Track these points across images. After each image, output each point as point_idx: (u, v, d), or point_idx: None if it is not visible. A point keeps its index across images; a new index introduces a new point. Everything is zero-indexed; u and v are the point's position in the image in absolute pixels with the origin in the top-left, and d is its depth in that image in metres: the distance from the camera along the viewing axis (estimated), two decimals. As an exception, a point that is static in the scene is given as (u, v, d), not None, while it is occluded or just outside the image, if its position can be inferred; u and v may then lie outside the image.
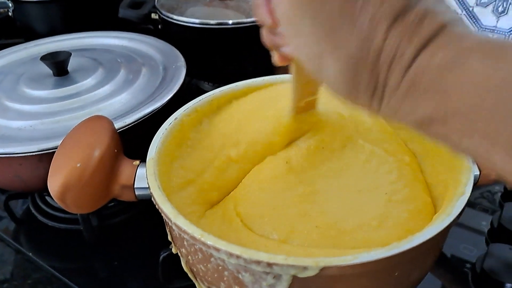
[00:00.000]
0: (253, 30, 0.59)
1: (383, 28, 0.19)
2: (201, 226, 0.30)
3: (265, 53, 0.54)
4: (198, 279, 0.32)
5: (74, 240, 0.46)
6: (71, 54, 0.49)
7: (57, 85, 0.47)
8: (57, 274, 0.43)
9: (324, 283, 0.26)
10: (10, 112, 0.44)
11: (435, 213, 0.30)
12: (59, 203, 0.32)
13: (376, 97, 0.20)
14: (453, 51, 0.18)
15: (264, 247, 0.29)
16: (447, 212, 0.27)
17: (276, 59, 0.29)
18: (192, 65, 0.52)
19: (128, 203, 0.36)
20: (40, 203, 0.50)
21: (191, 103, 0.39)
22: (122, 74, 0.49)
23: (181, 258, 0.33)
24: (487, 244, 0.42)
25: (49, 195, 0.50)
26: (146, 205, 0.33)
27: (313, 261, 0.24)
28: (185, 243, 0.29)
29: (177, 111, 0.38)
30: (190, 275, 0.33)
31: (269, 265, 0.25)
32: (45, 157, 0.39)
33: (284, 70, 0.50)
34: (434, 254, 0.31)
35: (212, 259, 0.28)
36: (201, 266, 0.30)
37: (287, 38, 0.23)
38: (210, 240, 0.26)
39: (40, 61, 0.48)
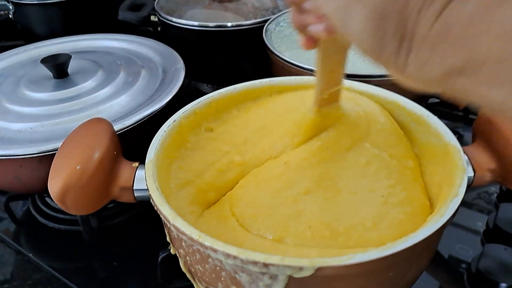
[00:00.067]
0: (252, 32, 0.60)
1: None
2: (199, 226, 0.31)
3: (264, 56, 0.55)
4: (196, 280, 0.33)
5: (74, 241, 0.46)
6: (71, 56, 0.49)
7: (57, 88, 0.48)
8: (57, 274, 0.43)
9: (320, 283, 0.27)
10: (10, 114, 0.45)
11: None
12: (59, 205, 0.32)
13: (403, 49, 0.20)
14: None
15: (259, 247, 0.29)
16: (440, 213, 0.28)
17: (303, 42, 0.29)
18: (191, 67, 0.52)
19: (127, 204, 0.36)
20: (40, 205, 0.50)
21: (189, 105, 0.40)
22: (121, 76, 0.50)
23: (179, 259, 0.34)
24: (483, 244, 0.42)
25: (49, 196, 0.50)
26: (145, 206, 0.33)
27: (309, 262, 0.25)
28: (183, 244, 0.30)
29: (176, 113, 0.39)
30: (188, 275, 0.33)
31: (266, 265, 0.25)
32: (45, 159, 0.39)
33: (282, 73, 0.50)
34: (429, 254, 0.32)
35: (209, 259, 0.28)
36: (199, 266, 0.30)
37: None
38: (208, 241, 0.27)
39: (40, 64, 0.48)
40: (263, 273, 0.26)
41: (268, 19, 0.60)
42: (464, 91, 0.19)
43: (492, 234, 0.42)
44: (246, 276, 0.27)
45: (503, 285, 0.36)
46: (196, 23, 0.61)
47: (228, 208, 0.33)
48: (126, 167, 0.35)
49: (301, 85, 0.43)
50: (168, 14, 0.64)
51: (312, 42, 0.29)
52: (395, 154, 0.35)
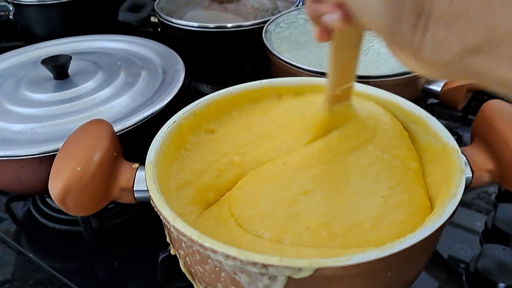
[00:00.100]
0: (252, 33, 0.60)
1: None
2: (198, 226, 0.31)
3: (263, 57, 0.55)
4: (196, 280, 0.33)
5: (75, 241, 0.46)
6: (71, 57, 0.49)
7: (58, 89, 0.48)
8: (57, 275, 0.43)
9: (319, 284, 0.27)
10: (11, 115, 0.45)
11: None
12: (60, 206, 0.32)
13: (420, 27, 0.19)
14: None
15: (258, 247, 0.29)
16: (439, 214, 0.28)
17: (317, 34, 0.29)
18: (191, 68, 0.52)
19: (128, 205, 0.37)
20: (40, 205, 0.51)
21: (189, 106, 0.40)
22: (121, 77, 0.50)
23: (179, 260, 0.34)
24: (481, 244, 0.43)
25: (49, 197, 0.50)
26: (146, 207, 0.33)
27: (307, 262, 0.25)
28: (183, 245, 0.30)
29: (176, 114, 0.39)
30: (188, 276, 0.34)
31: (265, 266, 0.25)
32: (46, 160, 0.39)
33: (282, 74, 0.50)
34: (428, 254, 0.32)
35: (209, 260, 0.28)
36: (198, 267, 0.30)
37: None
38: (208, 242, 0.27)
39: (41, 65, 0.49)
40: (262, 274, 0.26)
41: (268, 20, 0.60)
42: (481, 72, 0.19)
43: (491, 234, 0.43)
44: (246, 277, 0.27)
45: (501, 285, 0.36)
46: (196, 24, 0.61)
47: (226, 209, 0.33)
48: (126, 168, 0.35)
49: (300, 86, 0.43)
50: (168, 15, 0.65)
51: (326, 33, 0.28)
52: (398, 155, 0.36)
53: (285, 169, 0.35)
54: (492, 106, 0.36)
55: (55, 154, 0.34)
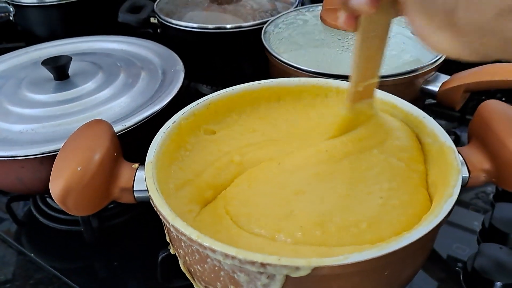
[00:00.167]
0: (251, 34, 0.60)
1: None
2: (196, 225, 0.31)
3: (263, 57, 0.55)
4: (195, 279, 0.33)
5: (75, 241, 0.47)
6: (71, 58, 0.50)
7: (58, 89, 0.48)
8: (58, 274, 0.44)
9: (317, 283, 0.27)
10: (11, 116, 0.45)
11: None
12: (60, 206, 0.33)
13: None
14: None
15: (255, 245, 0.30)
16: (435, 213, 0.28)
17: (343, 20, 0.28)
18: (191, 69, 0.53)
19: (128, 205, 0.37)
20: (41, 205, 0.51)
21: (188, 107, 0.40)
22: (121, 78, 0.50)
23: (179, 259, 0.34)
24: (479, 243, 0.43)
25: (50, 197, 0.50)
26: (145, 207, 0.34)
27: (305, 262, 0.25)
28: (183, 244, 0.30)
29: (175, 115, 0.39)
30: (187, 275, 0.34)
31: (263, 265, 0.26)
32: (46, 160, 0.39)
33: (281, 74, 0.50)
34: (424, 253, 0.32)
35: (208, 259, 0.29)
36: (198, 266, 0.30)
37: None
38: (207, 242, 0.27)
39: (41, 66, 0.49)
40: (261, 273, 0.27)
41: (267, 21, 0.60)
42: None
43: (488, 234, 0.43)
44: (244, 276, 0.27)
45: (498, 283, 0.37)
46: (195, 25, 0.62)
47: (222, 206, 0.34)
48: (126, 168, 0.36)
49: (299, 87, 0.44)
50: (167, 16, 0.65)
51: (352, 19, 0.28)
52: (404, 157, 0.35)
53: (281, 168, 0.35)
54: (489, 106, 0.37)
55: (56, 154, 0.34)
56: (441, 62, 0.50)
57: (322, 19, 0.57)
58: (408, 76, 0.47)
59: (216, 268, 0.29)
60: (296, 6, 0.67)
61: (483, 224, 0.44)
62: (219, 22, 0.62)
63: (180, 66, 0.52)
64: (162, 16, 0.65)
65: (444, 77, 0.50)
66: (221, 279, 0.29)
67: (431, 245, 0.34)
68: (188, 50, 0.61)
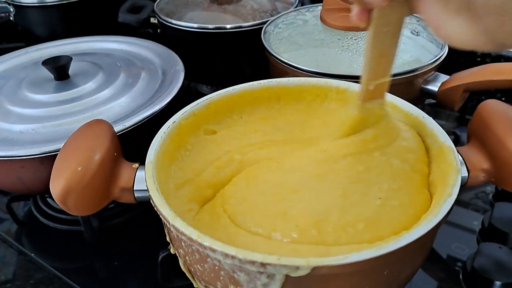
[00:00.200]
0: (251, 34, 0.60)
1: None
2: (195, 223, 0.31)
3: (263, 57, 0.55)
4: (195, 279, 0.33)
5: (75, 241, 0.47)
6: (71, 58, 0.50)
7: (58, 89, 0.48)
8: (58, 274, 0.44)
9: (316, 282, 0.27)
10: (12, 116, 0.45)
11: None
12: (61, 206, 0.33)
13: None
14: None
15: (252, 244, 0.30)
16: (434, 213, 0.28)
17: (356, 13, 0.28)
18: (191, 69, 0.53)
19: (128, 205, 0.37)
20: (41, 205, 0.51)
21: (188, 107, 0.40)
22: (121, 78, 0.50)
23: (179, 259, 0.34)
24: (478, 243, 0.43)
25: (50, 197, 0.50)
26: (146, 206, 0.34)
27: (305, 261, 0.25)
28: (183, 244, 0.30)
29: (175, 114, 0.39)
30: (188, 275, 0.34)
31: (263, 265, 0.26)
32: (47, 160, 0.39)
33: (280, 74, 0.51)
34: (424, 253, 0.32)
35: (208, 259, 0.29)
36: (198, 266, 0.31)
37: None
38: (207, 241, 0.27)
39: (42, 66, 0.49)
40: (261, 273, 0.27)
41: (267, 21, 0.60)
42: None
43: (488, 233, 0.43)
44: (244, 276, 0.28)
45: (498, 283, 0.37)
46: (195, 25, 0.62)
47: (220, 205, 0.34)
48: (126, 168, 0.36)
49: (299, 86, 0.44)
50: (167, 16, 0.65)
51: (365, 13, 0.27)
52: (410, 159, 0.35)
53: (279, 167, 0.35)
54: (488, 106, 0.37)
55: (56, 154, 0.34)
56: (440, 62, 0.50)
57: (322, 19, 0.57)
58: (408, 76, 0.48)
59: (216, 267, 0.29)
60: (296, 6, 0.67)
61: (482, 223, 0.44)
62: (219, 22, 0.63)
63: (180, 66, 0.52)
64: (162, 16, 0.65)
65: (443, 77, 0.50)
66: (221, 278, 0.29)
67: (430, 244, 0.34)
68: (188, 50, 0.61)
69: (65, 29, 0.73)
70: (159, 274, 0.38)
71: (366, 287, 0.29)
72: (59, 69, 0.49)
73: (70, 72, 0.50)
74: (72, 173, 0.32)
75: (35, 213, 0.50)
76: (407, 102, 0.40)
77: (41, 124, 0.44)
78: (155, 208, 0.31)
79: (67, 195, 0.32)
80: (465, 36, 0.21)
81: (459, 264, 0.42)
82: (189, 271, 0.33)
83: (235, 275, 0.28)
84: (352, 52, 0.52)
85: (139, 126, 0.42)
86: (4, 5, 0.74)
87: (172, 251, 0.35)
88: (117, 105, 0.46)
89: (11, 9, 0.74)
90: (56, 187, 0.32)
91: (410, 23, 0.56)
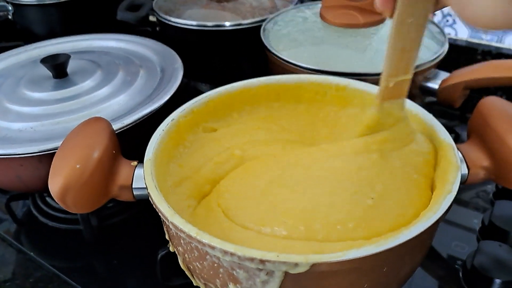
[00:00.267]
0: (250, 32, 0.60)
1: None
2: (193, 219, 0.31)
3: (262, 55, 0.55)
4: (195, 276, 0.33)
5: (74, 239, 0.47)
6: (70, 56, 0.50)
7: (57, 87, 0.48)
8: (57, 272, 0.44)
9: (316, 279, 0.27)
10: (10, 114, 0.45)
11: None
12: (60, 204, 0.33)
13: None
14: None
15: (247, 239, 0.30)
16: (433, 210, 0.28)
17: (379, 1, 0.27)
18: (190, 67, 0.53)
19: (127, 203, 0.37)
20: (40, 204, 0.51)
21: (187, 104, 0.40)
22: (120, 76, 0.50)
23: (178, 256, 0.34)
24: (478, 241, 0.43)
25: (49, 195, 0.50)
26: (145, 205, 0.34)
27: (304, 258, 0.25)
28: (182, 241, 0.30)
29: (174, 112, 0.39)
30: (187, 272, 0.34)
31: (262, 262, 0.26)
32: (45, 158, 0.39)
33: (280, 72, 0.50)
34: (423, 250, 0.32)
35: (207, 256, 0.29)
36: (197, 263, 0.30)
37: None
38: (205, 239, 0.27)
39: (40, 64, 0.49)
40: (260, 270, 0.27)
41: (266, 19, 0.60)
42: None
43: (488, 231, 0.43)
44: (243, 273, 0.28)
45: (497, 280, 0.37)
46: (194, 23, 0.62)
47: (215, 199, 0.34)
48: (125, 166, 0.35)
49: (298, 84, 0.44)
50: (166, 14, 0.65)
51: (390, 1, 0.27)
52: (416, 162, 0.34)
53: (276, 163, 0.35)
54: (488, 102, 0.37)
55: (55, 152, 0.34)
56: (440, 59, 0.50)
57: (321, 17, 0.57)
58: (407, 73, 0.47)
59: (215, 265, 0.29)
60: (296, 4, 0.67)
61: (482, 222, 0.44)
62: (218, 19, 0.62)
63: (179, 64, 0.52)
64: (160, 14, 0.65)
65: (443, 74, 0.50)
66: (220, 276, 0.29)
67: (430, 242, 0.33)
68: (187, 48, 0.61)
69: (64, 27, 0.73)
70: (158, 273, 0.38)
71: (365, 284, 0.28)
72: (58, 67, 0.49)
73: (68, 70, 0.50)
74: (71, 170, 0.32)
75: (34, 212, 0.50)
76: (407, 99, 0.39)
77: (39, 122, 0.44)
78: (153, 206, 0.31)
79: (66, 193, 0.32)
80: (494, 14, 0.19)
81: (459, 262, 0.42)
82: (189, 269, 0.33)
83: (234, 272, 0.28)
84: (352, 50, 0.52)
85: (137, 124, 0.42)
86: (2, 3, 0.74)
87: (171, 249, 0.35)
88: (116, 103, 0.46)
89: (10, 8, 0.74)
90: (55, 185, 0.32)
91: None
